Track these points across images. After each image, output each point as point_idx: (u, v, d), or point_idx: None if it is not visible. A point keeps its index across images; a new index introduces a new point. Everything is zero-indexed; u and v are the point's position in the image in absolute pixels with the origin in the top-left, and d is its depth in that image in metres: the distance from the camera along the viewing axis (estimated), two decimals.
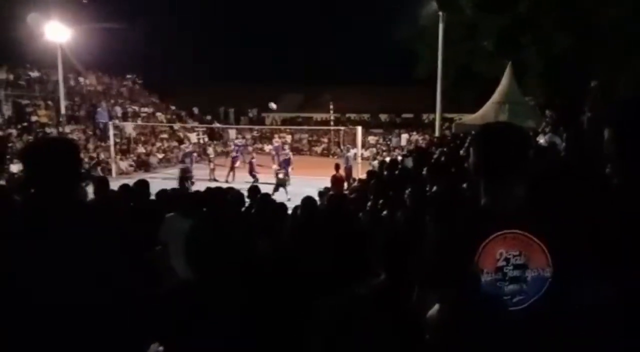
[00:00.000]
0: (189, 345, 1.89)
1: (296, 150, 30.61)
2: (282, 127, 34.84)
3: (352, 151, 20.20)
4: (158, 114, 32.18)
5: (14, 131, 21.94)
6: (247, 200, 5.98)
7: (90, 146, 23.57)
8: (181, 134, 29.99)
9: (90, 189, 5.80)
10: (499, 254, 1.60)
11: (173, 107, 34.28)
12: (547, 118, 12.00)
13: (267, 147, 25.85)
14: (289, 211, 5.38)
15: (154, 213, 4.99)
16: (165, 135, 29.52)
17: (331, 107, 34.21)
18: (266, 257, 3.25)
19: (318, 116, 37.78)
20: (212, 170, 20.75)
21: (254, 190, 6.67)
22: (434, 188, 5.01)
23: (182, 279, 2.53)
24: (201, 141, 30.14)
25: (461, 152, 9.35)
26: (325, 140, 32.82)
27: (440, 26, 19.07)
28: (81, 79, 29.50)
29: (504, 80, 14.26)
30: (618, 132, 1.55)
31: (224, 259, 2.16)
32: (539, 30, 19.13)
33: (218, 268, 2.12)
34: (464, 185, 4.64)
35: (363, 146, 26.07)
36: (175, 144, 28.58)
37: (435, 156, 9.47)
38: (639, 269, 1.43)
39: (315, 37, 48.29)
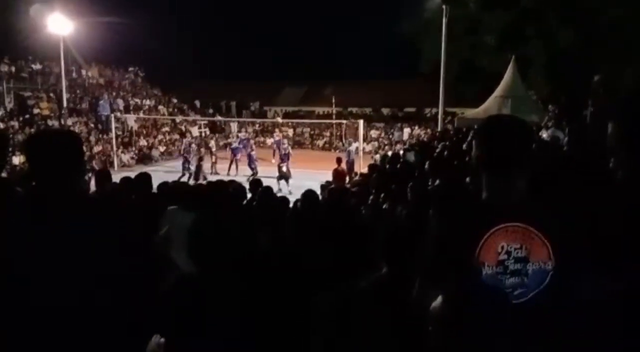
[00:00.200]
0: (189, 339, 1.89)
1: (298, 144, 30.62)
2: (284, 121, 34.77)
3: (354, 145, 20.16)
4: (160, 107, 32.17)
5: (16, 124, 21.98)
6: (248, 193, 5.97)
7: (92, 139, 23.61)
8: (183, 127, 29.99)
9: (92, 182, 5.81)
10: (501, 247, 1.59)
11: (175, 100, 34.23)
12: (550, 112, 11.99)
13: (269, 141, 25.83)
14: (291, 205, 5.38)
15: (156, 206, 4.99)
16: (167, 129, 29.52)
17: (333, 100, 34.13)
18: (267, 251, 3.25)
19: (320, 110, 37.68)
20: (214, 163, 20.78)
21: (255, 183, 6.66)
22: (436, 182, 5.01)
23: (183, 272, 2.53)
24: (203, 134, 30.15)
25: (464, 146, 9.32)
26: (327, 134, 32.77)
27: (444, 20, 18.98)
28: (83, 72, 29.47)
29: (507, 75, 14.24)
30: (622, 126, 1.54)
31: (226, 253, 2.17)
32: (543, 25, 19.07)
33: (220, 262, 2.13)
34: (467, 179, 4.64)
35: (365, 140, 26.04)
36: (177, 137, 28.60)
37: (437, 150, 9.44)
38: None
39: (318, 31, 48.19)
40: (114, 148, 23.13)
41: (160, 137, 27.90)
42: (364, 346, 2.00)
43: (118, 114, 26.11)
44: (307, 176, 15.85)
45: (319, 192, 6.04)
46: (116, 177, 6.24)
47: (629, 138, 1.52)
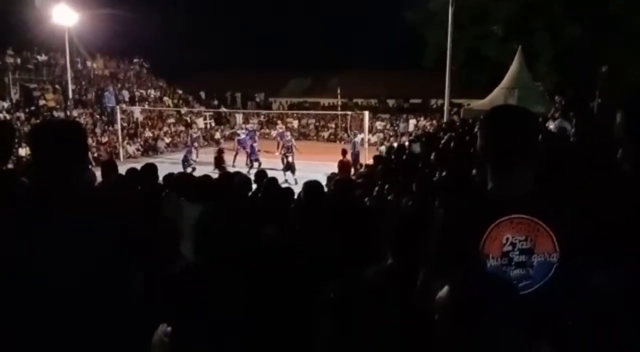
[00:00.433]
0: (190, 330, 1.90)
1: (303, 136, 30.58)
2: (289, 112, 34.70)
3: (359, 136, 20.11)
4: (165, 98, 32.19)
5: (22, 115, 22.06)
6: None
7: (98, 130, 23.68)
8: (188, 119, 30.01)
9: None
10: (505, 239, 1.59)
11: (180, 92, 34.22)
12: (556, 104, 11.92)
13: (274, 133, 25.85)
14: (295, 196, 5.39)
15: (160, 197, 5.00)
16: (172, 120, 29.55)
17: (338, 92, 34.02)
18: (273, 242, 3.25)
19: (325, 101, 37.59)
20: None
21: (260, 175, 6.66)
22: (442, 173, 4.99)
23: (186, 262, 2.54)
24: (208, 126, 30.15)
25: (467, 137, 9.29)
26: (333, 125, 32.68)
27: (450, 10, 18.83)
28: (89, 63, 29.49)
29: (514, 65, 14.15)
30: (630, 117, 1.53)
31: (234, 245, 2.17)
32: (549, 17, 18.92)
33: (227, 254, 2.13)
34: (473, 171, 4.62)
35: (370, 131, 25.99)
36: (182, 128, 28.64)
37: (443, 141, 9.42)
38: None
39: (323, 22, 47.95)
40: (120, 139, 23.20)
41: (165, 128, 27.94)
42: (369, 336, 2.00)
43: (123, 106, 26.16)
44: (313, 168, 15.85)
45: (324, 183, 6.04)
46: (122, 169, 6.27)
47: (636, 129, 1.50)
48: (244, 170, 12.09)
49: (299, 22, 47.13)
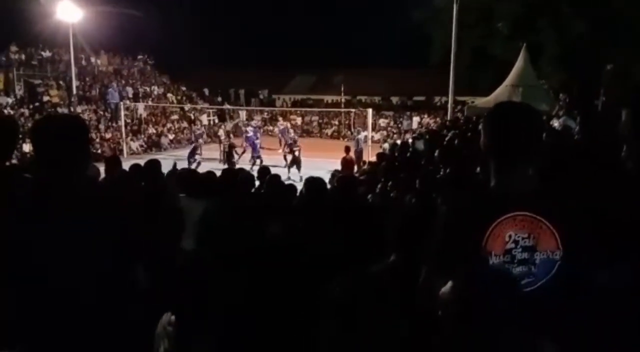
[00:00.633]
0: (193, 321, 1.90)
1: (306, 133, 30.56)
2: (293, 109, 34.69)
3: (363, 134, 20.09)
4: (169, 94, 32.21)
5: (26, 111, 22.10)
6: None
7: (102, 127, 23.73)
8: (192, 115, 30.03)
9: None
10: (508, 236, 1.58)
11: (184, 88, 34.23)
12: (561, 102, 11.88)
13: (277, 129, 25.85)
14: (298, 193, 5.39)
15: (164, 193, 5.01)
16: (176, 116, 29.57)
17: (342, 89, 33.98)
18: (276, 238, 3.25)
19: (329, 98, 37.60)
20: (222, 151, 20.77)
21: (263, 171, 6.67)
22: (446, 171, 4.99)
23: (188, 256, 2.54)
24: (211, 123, 30.16)
25: (468, 134, 9.28)
26: (336, 122, 32.66)
27: (455, 8, 18.76)
28: (92, 59, 29.51)
29: (519, 63, 14.08)
30: (635, 115, 1.52)
31: (238, 241, 2.17)
32: (556, 14, 18.83)
33: (232, 250, 2.13)
34: (477, 169, 4.61)
35: (374, 129, 25.95)
36: (186, 125, 28.66)
37: (447, 139, 9.40)
38: None
39: (328, 19, 47.91)
40: (123, 136, 23.23)
41: (169, 125, 27.96)
42: (372, 333, 2.00)
43: (127, 102, 26.18)
44: (316, 165, 15.84)
45: (327, 180, 6.03)
46: (125, 165, 6.28)
47: (639, 125, 1.50)
48: (247, 167, 12.10)
49: (304, 20, 47.12)
